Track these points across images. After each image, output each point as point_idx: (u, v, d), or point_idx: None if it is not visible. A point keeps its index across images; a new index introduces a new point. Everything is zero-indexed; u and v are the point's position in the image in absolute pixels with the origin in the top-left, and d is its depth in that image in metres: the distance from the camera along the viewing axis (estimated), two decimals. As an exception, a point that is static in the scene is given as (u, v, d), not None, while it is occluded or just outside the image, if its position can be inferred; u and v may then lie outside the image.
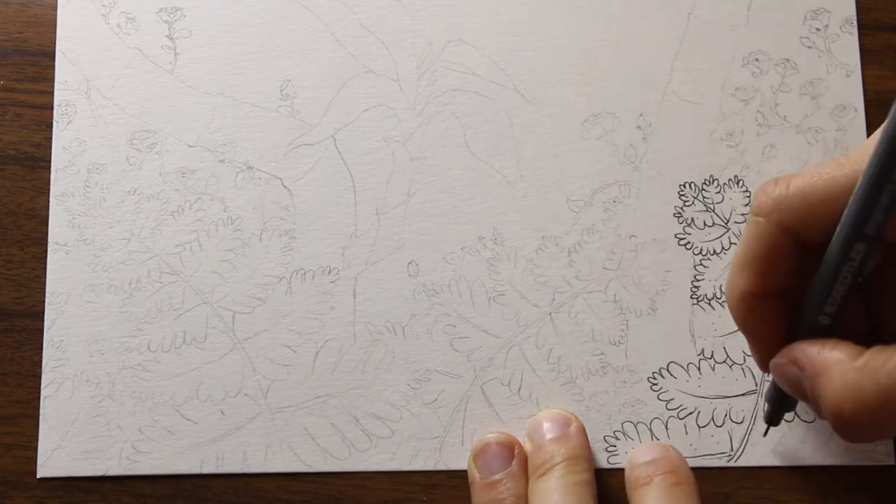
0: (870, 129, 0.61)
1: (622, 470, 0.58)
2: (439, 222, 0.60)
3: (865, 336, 0.49)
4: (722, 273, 0.60)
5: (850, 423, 0.47)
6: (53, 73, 0.62)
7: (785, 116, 0.61)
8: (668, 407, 0.59)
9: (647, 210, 0.60)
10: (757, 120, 0.61)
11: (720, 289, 0.60)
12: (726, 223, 0.60)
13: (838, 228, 0.48)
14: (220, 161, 0.61)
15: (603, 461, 0.59)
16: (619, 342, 0.59)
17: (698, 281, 0.60)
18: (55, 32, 0.62)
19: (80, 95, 0.61)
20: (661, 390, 0.59)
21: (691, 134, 0.61)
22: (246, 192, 0.61)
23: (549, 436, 0.58)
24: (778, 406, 0.56)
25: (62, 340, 0.59)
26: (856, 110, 0.61)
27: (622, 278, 0.60)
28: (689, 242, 0.60)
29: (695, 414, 0.59)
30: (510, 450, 0.58)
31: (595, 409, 0.59)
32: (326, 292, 0.60)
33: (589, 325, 0.59)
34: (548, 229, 0.60)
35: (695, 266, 0.60)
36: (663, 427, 0.59)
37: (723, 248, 0.60)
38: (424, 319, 0.60)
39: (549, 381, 0.59)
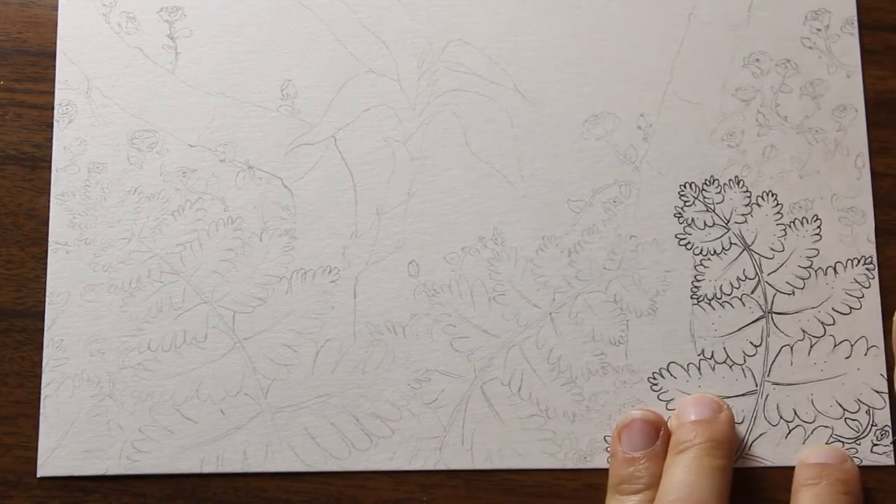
0: (870, 130, 0.61)
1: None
2: (440, 222, 0.60)
3: None
4: (722, 273, 0.60)
5: None
6: (53, 74, 0.62)
7: (786, 117, 0.61)
8: (669, 407, 0.59)
9: (648, 210, 0.60)
10: (757, 120, 0.61)
11: (720, 289, 0.60)
12: (726, 223, 0.60)
13: None
14: (221, 161, 0.61)
15: (603, 461, 0.59)
16: (620, 342, 0.59)
17: (698, 281, 0.60)
18: (55, 32, 0.62)
19: (81, 95, 0.61)
20: (662, 390, 0.59)
21: (692, 134, 0.61)
22: (246, 191, 0.61)
23: (693, 417, 0.58)
24: None
25: (62, 340, 0.59)
26: (856, 111, 0.61)
27: (622, 278, 0.60)
28: (689, 242, 0.60)
29: (695, 414, 0.59)
30: (656, 429, 0.58)
31: (595, 409, 0.59)
32: (327, 292, 0.60)
33: (589, 325, 0.59)
34: (548, 229, 0.60)
35: (695, 266, 0.60)
36: (663, 427, 0.58)
37: (723, 248, 0.60)
38: (425, 319, 0.60)
39: (549, 381, 0.59)
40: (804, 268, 0.60)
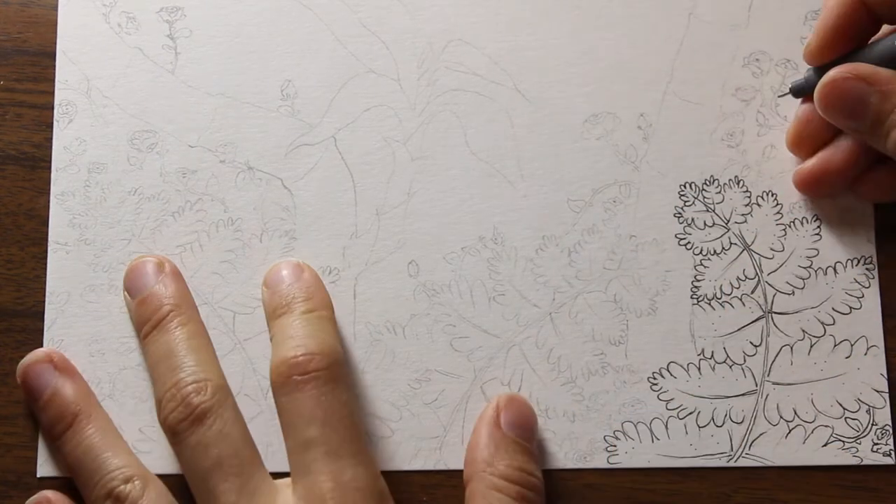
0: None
1: (623, 470, 0.59)
2: (440, 222, 0.60)
3: None
4: (722, 273, 0.60)
5: None
6: (53, 74, 0.62)
7: (786, 116, 0.62)
8: (668, 407, 0.59)
9: (648, 210, 0.61)
10: (757, 120, 0.61)
11: (721, 289, 0.60)
12: (726, 223, 0.60)
13: None
14: (221, 161, 0.61)
15: (603, 461, 0.59)
16: (619, 342, 0.59)
17: (698, 281, 0.60)
18: (55, 32, 0.62)
19: (81, 95, 0.61)
20: (661, 390, 0.59)
21: (692, 134, 0.61)
22: (246, 192, 0.61)
23: (284, 282, 0.58)
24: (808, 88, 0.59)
25: (62, 340, 0.59)
26: (857, 108, 0.61)
27: (622, 278, 0.60)
28: (689, 242, 0.60)
29: (695, 414, 0.59)
30: (160, 267, 0.59)
31: (595, 409, 0.59)
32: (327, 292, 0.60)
33: (589, 325, 0.59)
34: (548, 229, 0.60)
35: (695, 266, 0.60)
36: (663, 427, 0.59)
37: (723, 248, 0.60)
38: (424, 319, 0.60)
39: (549, 380, 0.59)
40: (804, 268, 0.60)
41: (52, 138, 0.62)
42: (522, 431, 0.57)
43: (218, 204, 0.61)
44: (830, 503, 0.59)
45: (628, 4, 0.63)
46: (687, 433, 0.59)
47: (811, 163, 0.58)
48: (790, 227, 0.60)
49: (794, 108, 0.61)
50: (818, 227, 0.60)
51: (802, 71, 0.61)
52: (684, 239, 0.60)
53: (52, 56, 0.62)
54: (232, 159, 0.61)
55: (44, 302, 0.61)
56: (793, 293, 0.60)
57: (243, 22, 0.62)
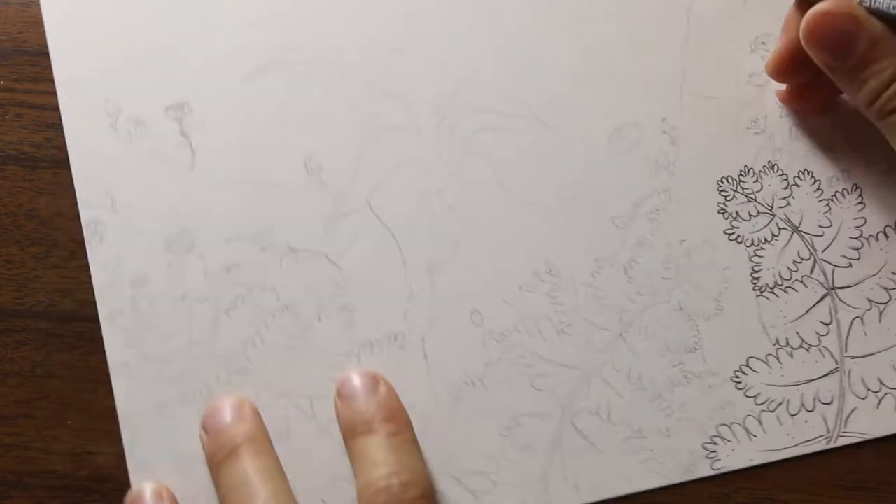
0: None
1: (726, 475, 0.58)
2: (492, 266, 0.60)
3: None
4: (778, 259, 0.60)
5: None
6: (52, 74, 0.62)
7: (804, 92, 0.61)
8: (757, 402, 0.59)
9: (691, 212, 0.61)
10: (777, 102, 0.61)
11: (780, 275, 0.60)
12: (771, 209, 0.60)
13: None
14: (262, 249, 0.60)
15: (707, 469, 0.59)
16: (695, 348, 0.59)
17: (757, 272, 0.60)
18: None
19: (107, 211, 0.60)
20: (747, 387, 0.59)
21: (717, 128, 0.61)
22: (294, 275, 0.60)
23: (358, 398, 0.58)
24: None
25: (145, 462, 0.58)
26: (869, 71, 0.61)
27: (683, 285, 0.60)
28: (739, 236, 0.60)
29: (784, 404, 0.59)
30: (240, 409, 0.59)
31: (687, 420, 0.59)
32: (397, 359, 0.59)
33: (661, 338, 0.59)
34: (599, 251, 0.60)
35: (750, 258, 0.60)
36: (757, 423, 0.59)
37: (773, 234, 0.60)
38: (500, 366, 0.59)
39: (635, 400, 0.59)
40: (855, 238, 0.60)
41: (51, 138, 0.62)
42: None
43: (269, 292, 0.60)
44: (830, 503, 0.58)
45: (626, 14, 0.63)
46: (781, 424, 0.59)
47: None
48: (833, 200, 0.60)
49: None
50: (860, 195, 0.61)
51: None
52: (733, 233, 0.60)
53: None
54: (272, 245, 0.60)
55: (44, 302, 0.61)
56: (850, 265, 0.60)
57: (252, 103, 0.61)
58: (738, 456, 0.59)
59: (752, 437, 0.59)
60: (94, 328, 0.60)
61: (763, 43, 0.62)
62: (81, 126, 0.62)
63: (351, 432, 0.57)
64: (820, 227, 0.60)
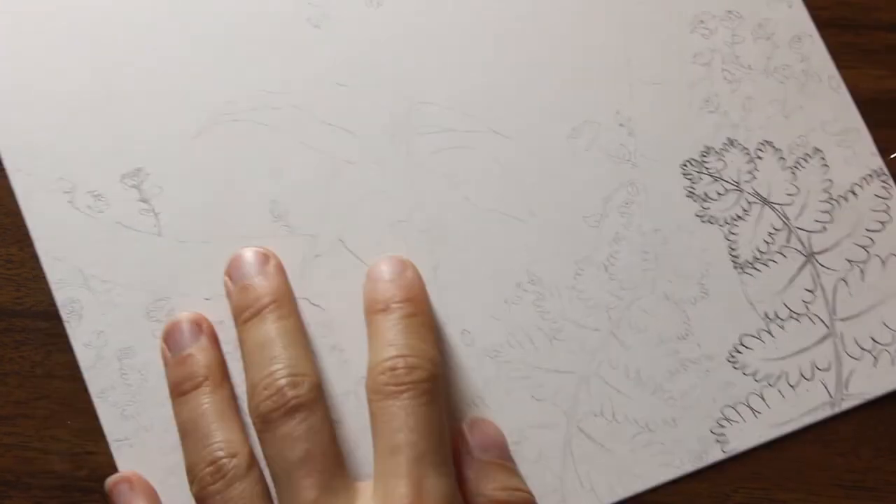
0: (859, 48, 0.62)
1: (725, 474, 0.59)
2: (474, 284, 0.60)
3: None
4: (753, 234, 0.60)
5: None
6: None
7: (749, 65, 0.62)
8: (756, 379, 0.59)
9: (660, 200, 0.61)
10: (725, 78, 0.62)
11: (758, 250, 0.60)
12: (738, 185, 0.61)
13: None
14: (242, 303, 0.59)
15: (719, 453, 0.59)
16: (687, 335, 0.60)
17: (734, 250, 0.60)
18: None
19: (81, 288, 0.60)
20: (744, 366, 0.59)
21: (671, 113, 0.62)
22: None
23: (387, 277, 0.59)
24: None
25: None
26: (811, 36, 0.62)
27: (664, 274, 0.60)
28: (711, 217, 0.61)
29: (783, 377, 0.59)
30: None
31: (691, 407, 0.59)
32: (396, 391, 0.59)
33: (652, 329, 0.60)
34: (576, 253, 0.60)
35: (726, 237, 0.60)
36: (760, 399, 0.59)
37: (744, 210, 0.61)
38: (497, 382, 0.59)
39: (637, 395, 0.59)
40: (825, 201, 0.61)
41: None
42: (494, 450, 0.58)
43: (257, 345, 0.59)
44: (830, 503, 0.59)
45: (563, 11, 0.62)
46: (784, 397, 0.59)
47: None
48: (796, 167, 0.61)
49: (754, 55, 0.62)
50: (822, 158, 0.61)
51: (746, 16, 0.62)
52: (705, 215, 0.61)
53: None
54: (252, 297, 0.60)
55: (44, 301, 0.61)
56: (825, 229, 0.60)
57: (207, 159, 0.61)
58: (747, 435, 0.59)
59: (758, 415, 0.59)
60: None
61: (702, 21, 0.63)
62: (40, 208, 0.61)
63: (368, 310, 0.58)
64: (788, 195, 0.61)
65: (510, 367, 0.59)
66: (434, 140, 0.61)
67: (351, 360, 0.59)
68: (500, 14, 0.62)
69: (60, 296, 0.60)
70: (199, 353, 0.58)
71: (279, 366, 0.56)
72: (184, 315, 0.59)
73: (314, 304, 0.60)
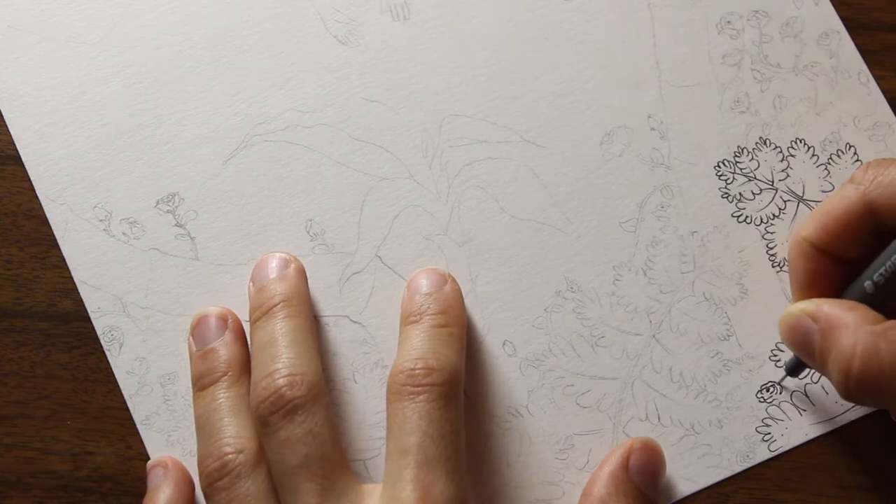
0: (859, 48, 0.62)
1: (782, 456, 0.59)
2: (513, 294, 0.60)
3: None
4: (790, 232, 0.60)
5: (856, 382, 0.50)
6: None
7: (778, 64, 0.62)
8: (800, 377, 0.59)
9: (696, 202, 0.61)
10: (755, 77, 0.62)
11: (796, 247, 0.60)
12: (772, 184, 0.61)
13: None
14: (283, 323, 0.59)
15: (766, 452, 0.59)
16: (728, 335, 0.59)
17: (772, 248, 0.60)
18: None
19: (120, 316, 0.60)
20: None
21: (702, 115, 0.61)
22: (320, 341, 0.59)
23: (424, 289, 0.59)
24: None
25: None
26: (838, 33, 0.62)
27: (703, 275, 0.60)
28: (747, 216, 0.60)
29: (827, 373, 0.59)
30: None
31: (736, 407, 0.59)
32: (440, 404, 0.59)
33: (694, 332, 0.59)
34: (614, 258, 0.60)
35: (762, 236, 0.60)
36: (804, 396, 0.59)
37: (779, 209, 0.60)
38: (542, 391, 0.59)
39: (681, 398, 0.59)
40: (860, 196, 0.60)
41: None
42: (647, 479, 0.57)
43: (299, 364, 0.59)
44: (830, 503, 0.59)
45: (589, 18, 0.63)
46: (828, 393, 0.59)
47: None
48: (829, 163, 0.61)
49: (783, 54, 0.62)
50: (854, 153, 0.61)
51: (773, 15, 0.62)
52: (741, 215, 0.60)
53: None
54: (292, 316, 0.60)
55: (43, 302, 0.61)
56: (860, 224, 0.60)
57: (241, 181, 0.61)
58: (793, 433, 0.59)
59: (802, 412, 0.59)
60: (93, 328, 0.61)
61: (729, 22, 0.63)
62: (76, 237, 0.61)
63: (402, 321, 0.58)
64: (823, 192, 0.61)
65: (553, 375, 0.59)
66: (467, 152, 0.61)
67: (394, 375, 0.59)
68: (527, 23, 0.63)
69: (100, 324, 0.60)
70: (221, 348, 0.58)
71: (279, 365, 0.55)
72: (212, 309, 0.60)
73: (354, 322, 0.60)
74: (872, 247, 0.54)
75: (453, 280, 0.59)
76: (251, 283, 0.59)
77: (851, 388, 0.50)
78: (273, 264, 0.59)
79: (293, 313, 0.57)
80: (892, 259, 0.52)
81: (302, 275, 0.60)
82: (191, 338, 0.59)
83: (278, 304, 0.57)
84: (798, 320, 0.54)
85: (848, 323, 0.51)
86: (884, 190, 0.53)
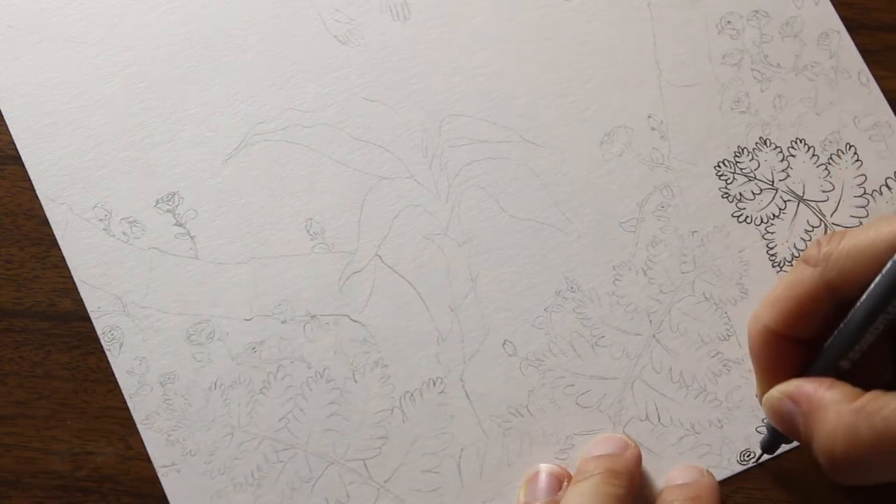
0: (859, 48, 0.62)
1: (782, 456, 0.59)
2: (513, 294, 0.60)
3: (886, 386, 0.51)
4: (790, 232, 0.60)
5: (841, 462, 0.50)
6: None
7: (778, 64, 0.62)
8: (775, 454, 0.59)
9: (696, 202, 0.61)
10: (755, 77, 0.62)
11: (795, 247, 0.60)
12: (772, 184, 0.61)
13: (880, 277, 0.51)
14: (283, 322, 0.60)
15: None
16: (728, 335, 0.59)
17: (772, 248, 0.60)
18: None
19: (120, 316, 0.60)
20: (788, 365, 0.59)
21: (702, 115, 0.61)
22: (320, 341, 0.60)
23: (597, 452, 0.58)
24: (777, 435, 0.57)
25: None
26: (838, 33, 0.62)
27: (703, 275, 0.60)
28: (747, 216, 0.60)
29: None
30: (559, 481, 0.58)
31: (736, 407, 0.59)
32: (441, 404, 0.59)
33: (694, 331, 0.59)
34: (614, 258, 0.60)
35: (762, 236, 0.60)
36: (805, 397, 0.58)
37: (779, 209, 0.60)
38: (542, 391, 0.59)
39: (681, 398, 0.59)
40: (860, 196, 0.61)
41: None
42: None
43: (299, 363, 0.59)
44: None
45: (589, 18, 0.63)
46: (828, 393, 0.59)
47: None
48: (830, 163, 0.61)
49: (783, 54, 0.62)
50: (854, 153, 0.61)
51: (773, 15, 0.62)
52: (741, 215, 0.60)
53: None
54: (292, 316, 0.60)
55: (43, 302, 0.61)
56: (860, 224, 0.60)
57: (241, 180, 0.61)
58: (794, 433, 0.59)
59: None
60: (93, 328, 0.60)
61: (729, 22, 0.63)
62: (76, 237, 0.61)
63: (573, 479, 0.58)
64: (823, 192, 0.61)
65: (553, 374, 0.59)
66: (467, 152, 0.61)
67: (394, 374, 0.59)
68: (528, 23, 0.63)
69: (100, 324, 0.60)
70: None
71: None
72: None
73: (354, 321, 0.60)
74: (831, 321, 0.54)
75: (634, 445, 0.59)
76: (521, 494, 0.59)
77: (839, 469, 0.50)
78: (543, 483, 0.59)
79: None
80: (865, 337, 0.52)
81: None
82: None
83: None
84: (781, 403, 0.54)
85: (827, 404, 0.51)
86: (841, 267, 0.53)
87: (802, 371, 0.55)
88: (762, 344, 0.55)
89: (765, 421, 0.57)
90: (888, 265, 0.50)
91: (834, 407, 0.50)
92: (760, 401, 0.57)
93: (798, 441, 0.54)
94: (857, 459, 0.49)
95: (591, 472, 0.56)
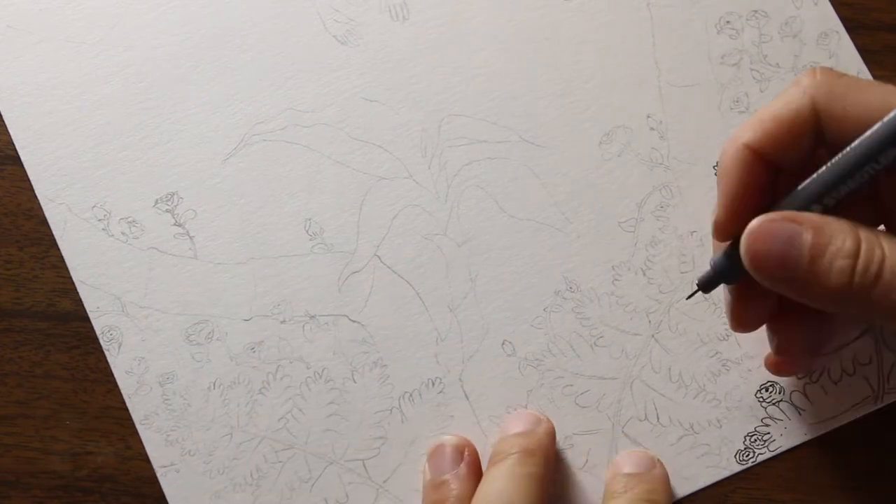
0: (859, 48, 0.62)
1: (781, 456, 0.59)
2: (512, 294, 0.60)
3: None
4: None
5: (863, 270, 0.46)
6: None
7: (777, 63, 0.62)
8: (799, 377, 0.59)
9: (695, 202, 0.61)
10: (754, 77, 0.62)
11: (794, 248, 0.59)
12: (771, 184, 0.60)
13: (878, 126, 0.47)
14: (282, 322, 0.60)
15: (764, 451, 0.59)
16: (727, 335, 0.59)
17: (771, 248, 0.60)
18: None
19: (119, 316, 0.60)
20: (787, 364, 0.59)
21: (702, 115, 0.61)
22: (319, 341, 0.60)
23: (512, 430, 0.58)
24: (720, 275, 0.53)
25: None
26: (837, 32, 0.62)
27: (702, 275, 0.60)
28: (746, 216, 0.60)
29: (825, 373, 0.59)
30: (460, 452, 0.58)
31: (735, 407, 0.59)
32: (440, 404, 0.59)
33: (693, 331, 0.59)
34: (614, 258, 0.60)
35: (762, 236, 0.60)
36: (803, 397, 0.59)
37: (779, 208, 0.60)
38: (541, 390, 0.59)
39: (680, 398, 0.59)
40: (859, 194, 0.60)
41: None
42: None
43: (298, 363, 0.59)
44: (828, 503, 0.59)
45: (589, 18, 0.63)
46: (827, 393, 0.59)
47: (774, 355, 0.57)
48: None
49: (782, 53, 0.62)
50: (854, 152, 0.60)
51: (772, 15, 0.61)
52: (740, 214, 0.60)
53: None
54: (291, 316, 0.60)
55: (43, 302, 0.61)
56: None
57: (240, 180, 0.61)
58: (792, 433, 0.59)
59: (802, 412, 0.59)
60: (92, 328, 0.61)
61: (728, 22, 0.63)
62: (75, 237, 0.61)
63: (490, 460, 0.58)
64: (823, 192, 0.60)
65: (552, 375, 0.59)
66: (466, 152, 0.61)
67: (393, 375, 0.59)
68: (527, 23, 0.62)
69: (99, 324, 0.60)
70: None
71: None
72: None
73: (354, 321, 0.60)
74: (808, 159, 0.51)
75: (547, 421, 0.59)
76: (427, 468, 0.59)
77: (859, 279, 0.46)
78: (447, 456, 0.59)
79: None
80: (847, 183, 0.48)
81: (478, 467, 0.59)
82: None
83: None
84: (775, 223, 0.47)
85: (843, 228, 0.47)
86: (832, 97, 0.49)
87: (769, 206, 0.50)
88: (736, 162, 0.50)
89: (712, 259, 0.54)
90: (893, 112, 0.46)
91: (848, 225, 0.47)
92: (714, 229, 0.53)
93: (786, 269, 0.47)
94: (883, 270, 0.45)
95: (506, 451, 0.57)
